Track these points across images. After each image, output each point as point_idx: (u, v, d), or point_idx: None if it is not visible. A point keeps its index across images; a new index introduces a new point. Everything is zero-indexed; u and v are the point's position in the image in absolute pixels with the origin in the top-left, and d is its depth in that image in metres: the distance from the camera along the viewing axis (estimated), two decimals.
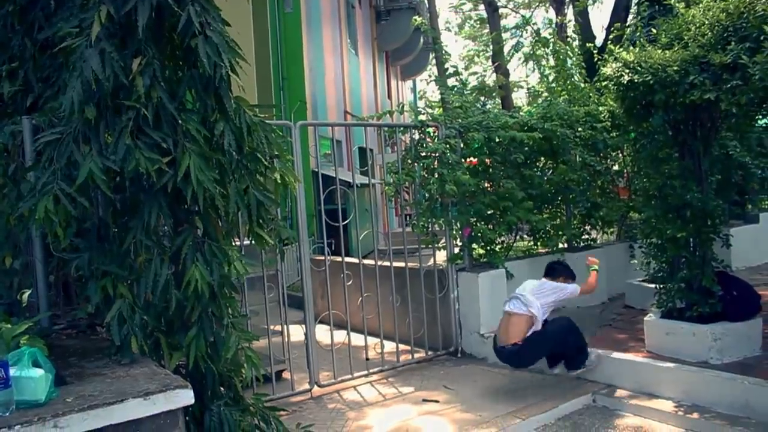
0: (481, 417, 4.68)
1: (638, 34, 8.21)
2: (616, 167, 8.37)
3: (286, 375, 5.61)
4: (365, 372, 5.79)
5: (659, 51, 4.92)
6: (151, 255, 2.90)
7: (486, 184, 6.72)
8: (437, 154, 6.19)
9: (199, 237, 3.03)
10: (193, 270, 2.86)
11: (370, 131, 9.92)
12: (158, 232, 3.02)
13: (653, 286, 5.63)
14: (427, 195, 6.39)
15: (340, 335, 5.82)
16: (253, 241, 3.35)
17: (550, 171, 7.46)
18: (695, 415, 4.46)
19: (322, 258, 5.83)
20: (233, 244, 3.38)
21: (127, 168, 2.70)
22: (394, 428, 4.67)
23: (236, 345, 3.09)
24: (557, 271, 5.41)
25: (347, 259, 5.93)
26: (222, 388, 3.22)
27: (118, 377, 2.58)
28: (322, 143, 13.18)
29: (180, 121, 2.90)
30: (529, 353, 5.10)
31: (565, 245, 7.38)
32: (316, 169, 5.81)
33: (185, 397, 2.46)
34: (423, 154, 6.35)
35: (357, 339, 5.99)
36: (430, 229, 6.52)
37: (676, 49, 4.84)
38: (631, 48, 5.55)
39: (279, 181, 3.30)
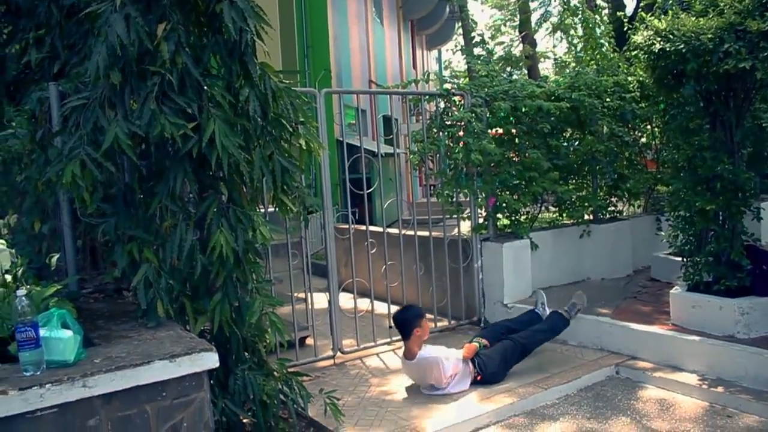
0: (502, 385, 4.70)
1: (671, 1, 8.00)
2: (644, 139, 8.23)
3: (309, 341, 5.67)
4: (388, 339, 5.82)
5: (693, 18, 4.79)
6: (177, 220, 2.93)
7: (511, 154, 6.65)
8: (463, 123, 6.13)
9: (223, 203, 3.05)
10: (218, 235, 2.89)
11: (395, 100, 9.86)
12: (183, 198, 3.04)
13: (680, 259, 5.56)
14: (452, 164, 6.35)
15: (364, 303, 5.85)
16: (277, 208, 3.36)
17: (577, 141, 7.35)
18: (720, 389, 4.43)
19: (346, 226, 5.84)
20: (257, 210, 3.39)
21: (153, 133, 2.71)
22: (416, 395, 4.70)
23: (260, 310, 3.12)
24: (407, 326, 4.71)
25: (371, 228, 5.92)
26: (246, 353, 3.26)
27: (144, 340, 2.63)
28: (347, 112, 13.12)
29: (205, 87, 2.91)
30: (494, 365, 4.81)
31: (591, 217, 7.31)
32: (341, 138, 5.79)
33: (210, 360, 2.50)
34: (448, 122, 6.29)
35: (380, 307, 6.02)
36: (454, 199, 6.49)
37: (711, 16, 4.71)
38: (663, 16, 5.41)
39: (304, 148, 3.30)
